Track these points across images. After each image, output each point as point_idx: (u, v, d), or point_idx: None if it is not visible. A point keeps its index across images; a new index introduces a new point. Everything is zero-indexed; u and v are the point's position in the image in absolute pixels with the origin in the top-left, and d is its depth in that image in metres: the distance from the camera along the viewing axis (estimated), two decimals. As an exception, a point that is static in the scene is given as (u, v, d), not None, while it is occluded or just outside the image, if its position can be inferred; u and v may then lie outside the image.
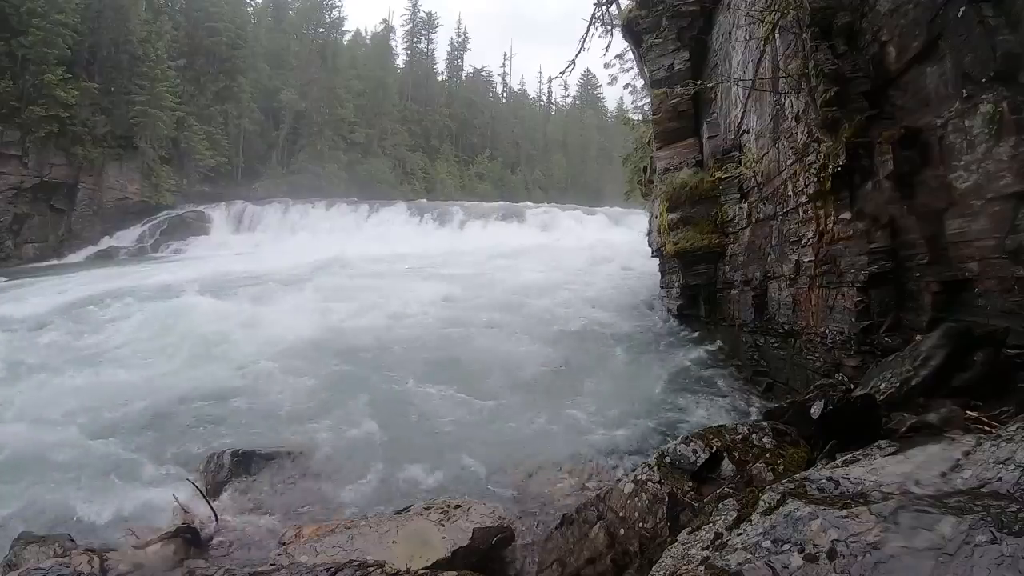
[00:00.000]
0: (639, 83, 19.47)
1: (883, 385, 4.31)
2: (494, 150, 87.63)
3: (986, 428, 3.40)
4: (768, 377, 8.66)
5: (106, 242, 41.38)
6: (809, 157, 6.89)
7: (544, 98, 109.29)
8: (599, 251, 26.73)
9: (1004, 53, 4.32)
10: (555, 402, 9.00)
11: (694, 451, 4.35)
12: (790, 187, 7.61)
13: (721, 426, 4.85)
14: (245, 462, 7.17)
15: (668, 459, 4.40)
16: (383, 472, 7.06)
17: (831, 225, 6.62)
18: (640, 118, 19.54)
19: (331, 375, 10.37)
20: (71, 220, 41.26)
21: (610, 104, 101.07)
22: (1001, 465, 2.28)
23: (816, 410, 4.10)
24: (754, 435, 4.44)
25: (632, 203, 23.98)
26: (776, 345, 8.43)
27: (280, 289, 17.73)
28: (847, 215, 6.33)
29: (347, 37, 78.56)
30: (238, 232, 45.30)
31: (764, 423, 4.66)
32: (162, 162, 46.79)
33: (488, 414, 8.72)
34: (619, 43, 16.81)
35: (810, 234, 7.11)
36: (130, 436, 8.27)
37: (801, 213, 7.36)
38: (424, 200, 56.44)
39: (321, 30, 70.67)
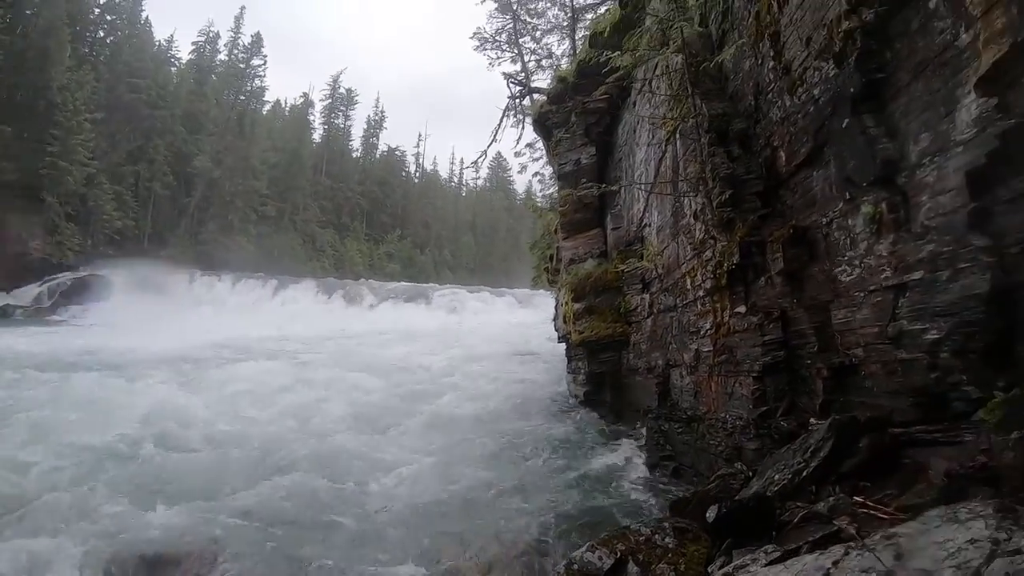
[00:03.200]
0: (547, 171, 20.00)
1: (777, 476, 4.41)
2: (404, 229, 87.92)
3: (870, 513, 3.54)
4: (674, 461, 8.69)
5: (2, 299, 39.18)
6: (706, 253, 7.15)
7: (456, 179, 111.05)
8: (505, 334, 26.89)
9: (884, 160, 4.59)
10: (454, 500, 8.36)
11: (600, 558, 4.38)
12: (689, 281, 7.86)
13: (626, 528, 4.89)
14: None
15: (576, 567, 4.42)
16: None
17: (727, 318, 6.83)
18: (548, 206, 19.94)
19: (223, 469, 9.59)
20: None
21: (519, 187, 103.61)
22: (864, 573, 2.35)
23: (711, 515, 4.26)
24: (657, 536, 4.51)
25: (539, 285, 24.33)
26: (680, 430, 8.50)
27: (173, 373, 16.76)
28: (742, 309, 6.56)
29: (267, 107, 77.97)
30: (141, 301, 43.52)
31: (666, 523, 4.73)
32: (67, 219, 45.23)
33: (381, 518, 7.82)
34: (530, 133, 17.33)
35: (708, 325, 7.31)
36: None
37: (699, 306, 7.58)
38: (332, 278, 55.83)
39: (242, 98, 69.44)
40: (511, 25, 23.10)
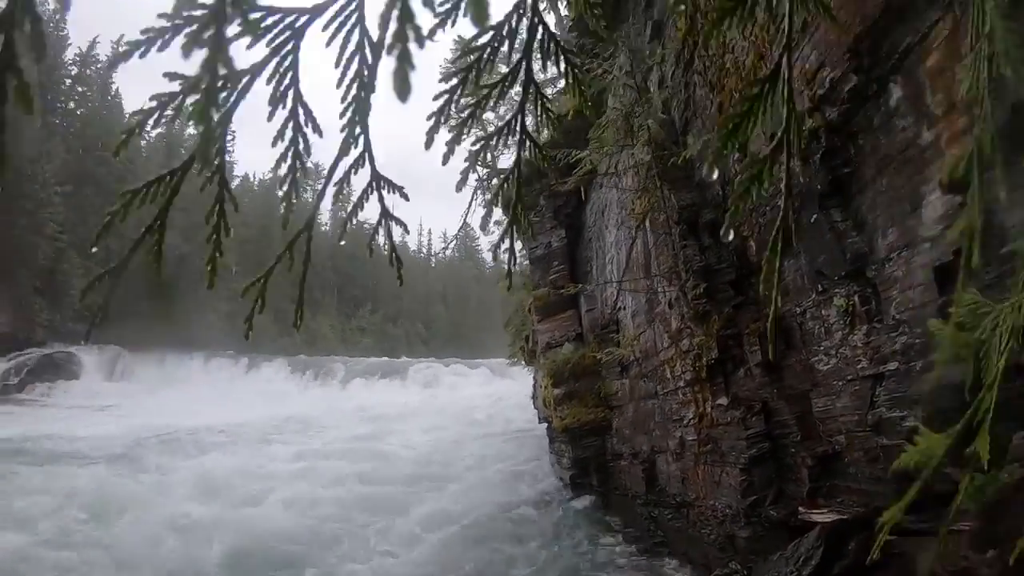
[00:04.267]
0: (517, 246, 20.03)
1: (772, 584, 4.41)
2: (375, 303, 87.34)
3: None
4: (667, 547, 8.62)
5: None
6: (683, 342, 7.21)
7: (424, 250, 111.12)
8: (483, 410, 26.73)
9: (853, 254, 4.70)
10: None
11: None
12: (668, 370, 7.89)
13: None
14: None
15: None
16: None
17: (709, 410, 6.86)
18: (520, 282, 19.90)
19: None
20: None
21: (487, 256, 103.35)
22: None
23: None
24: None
25: (516, 363, 24.18)
26: (670, 517, 8.45)
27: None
28: (723, 401, 6.59)
29: (235, 182, 77.06)
30: (110, 379, 43.05)
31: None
32: (36, 293, 44.32)
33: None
34: (497, 211, 17.27)
35: (691, 415, 7.34)
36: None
37: (681, 395, 7.61)
38: (304, 356, 55.04)
39: None
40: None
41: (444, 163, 2.11)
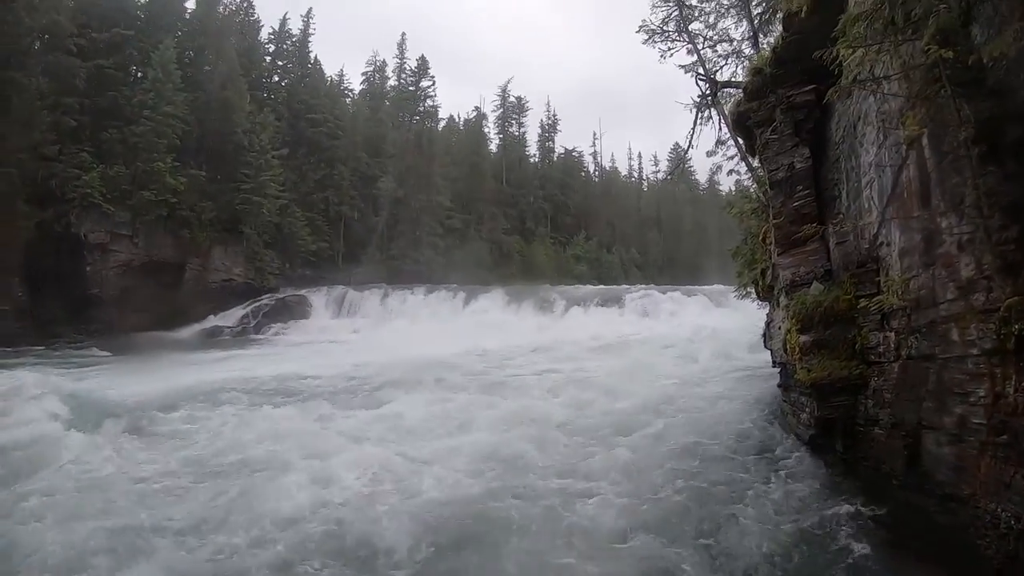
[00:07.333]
0: (742, 168, 18.47)
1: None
2: (589, 230, 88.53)
3: None
4: (923, 543, 7.17)
5: (211, 321, 43.81)
6: (977, 297, 5.70)
7: (635, 175, 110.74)
8: (701, 343, 25.91)
9: None
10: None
11: None
12: (955, 331, 6.35)
13: None
14: None
15: None
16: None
17: (1012, 392, 5.42)
18: (747, 207, 18.28)
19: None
20: (177, 297, 43.60)
21: (701, 176, 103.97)
22: None
23: None
24: None
25: (732, 280, 22.98)
26: (935, 509, 7.00)
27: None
28: (1035, 387, 5.08)
29: (441, 124, 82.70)
30: (338, 317, 47.33)
31: None
32: (265, 246, 49.99)
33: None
34: (718, 130, 15.92)
35: (983, 393, 5.89)
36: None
37: (970, 365, 6.12)
38: (520, 285, 56.49)
39: (416, 118, 75.01)
40: (676, 12, 21.45)
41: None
